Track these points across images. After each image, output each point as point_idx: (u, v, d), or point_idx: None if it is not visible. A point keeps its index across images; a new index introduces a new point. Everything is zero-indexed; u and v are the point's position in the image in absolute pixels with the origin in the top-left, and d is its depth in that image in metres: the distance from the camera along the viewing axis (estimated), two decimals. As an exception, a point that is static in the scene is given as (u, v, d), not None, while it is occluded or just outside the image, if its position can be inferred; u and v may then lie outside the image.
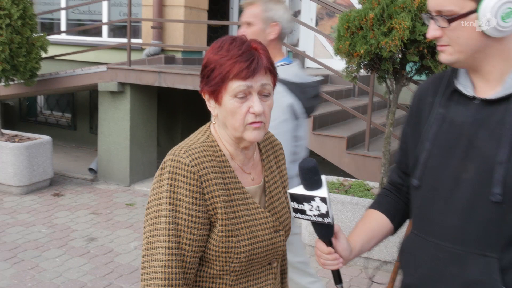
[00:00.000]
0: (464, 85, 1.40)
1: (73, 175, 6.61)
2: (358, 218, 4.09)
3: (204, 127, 1.53)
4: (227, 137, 1.46)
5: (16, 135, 6.16)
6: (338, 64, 4.93)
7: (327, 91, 5.90)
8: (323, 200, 1.35)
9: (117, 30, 7.90)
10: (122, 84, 6.17)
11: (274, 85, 1.46)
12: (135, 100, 6.27)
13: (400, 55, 3.92)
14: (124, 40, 6.80)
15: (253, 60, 1.38)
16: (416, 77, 4.21)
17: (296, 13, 8.40)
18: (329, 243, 1.46)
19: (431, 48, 3.72)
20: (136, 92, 6.27)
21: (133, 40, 6.77)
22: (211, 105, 1.45)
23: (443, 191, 1.37)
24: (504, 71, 1.33)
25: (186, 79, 5.76)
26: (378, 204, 1.66)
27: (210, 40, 10.03)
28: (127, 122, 6.20)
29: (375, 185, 4.42)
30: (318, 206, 1.36)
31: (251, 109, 1.38)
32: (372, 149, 4.94)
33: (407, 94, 6.95)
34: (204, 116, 6.16)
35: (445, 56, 1.36)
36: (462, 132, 1.35)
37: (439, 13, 1.32)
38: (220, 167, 1.43)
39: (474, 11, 1.28)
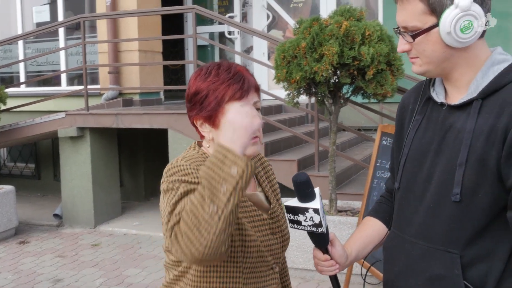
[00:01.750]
0: (437, 92, 1.50)
1: (38, 222, 6.67)
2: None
3: (190, 148, 1.61)
4: None
5: (-21, 187, 6.24)
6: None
7: (280, 119, 6.20)
8: (316, 211, 1.45)
9: (77, 78, 8.11)
10: (81, 129, 6.35)
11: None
12: (95, 143, 6.44)
13: (336, 79, 4.23)
14: (82, 87, 7.01)
15: (244, 80, 1.48)
16: (352, 98, 4.51)
17: (249, 49, 8.77)
18: (325, 251, 1.56)
19: (360, 70, 4.04)
20: (95, 136, 6.45)
21: (90, 86, 6.97)
22: (204, 130, 1.53)
23: (417, 192, 1.48)
24: (471, 78, 1.41)
25: (143, 119, 5.98)
26: (374, 211, 1.75)
27: (170, 82, 10.35)
28: (89, 165, 6.35)
29: (325, 202, 4.65)
30: (311, 217, 1.46)
31: None
32: (323, 169, 5.19)
33: (357, 116, 7.29)
34: (163, 154, 6.36)
35: (415, 67, 1.46)
36: (434, 136, 1.45)
37: (406, 29, 1.42)
38: None
39: (436, 25, 1.37)
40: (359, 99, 4.65)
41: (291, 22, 8.24)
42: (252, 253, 1.52)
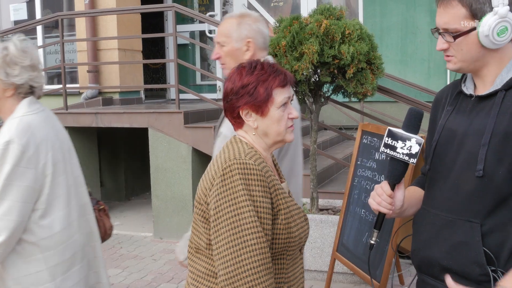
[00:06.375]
0: (467, 87, 1.71)
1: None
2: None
3: (232, 141, 1.73)
4: (263, 143, 1.73)
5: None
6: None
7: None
8: (419, 143, 1.60)
9: (56, 77, 8.01)
10: (60, 129, 6.26)
11: None
12: (74, 143, 6.18)
13: (316, 77, 4.24)
14: (60, 86, 6.93)
15: (285, 73, 1.72)
16: (333, 97, 4.53)
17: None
18: (392, 188, 1.68)
19: (341, 69, 4.05)
20: (74, 135, 6.36)
21: (69, 85, 6.90)
22: (249, 119, 1.70)
23: (443, 171, 1.68)
24: (497, 73, 1.63)
25: (122, 118, 5.93)
26: (417, 183, 1.95)
27: (151, 81, 10.28)
28: (68, 165, 6.26)
29: (307, 201, 4.66)
30: (411, 146, 1.61)
31: (289, 115, 1.70)
32: (304, 168, 5.17)
33: (338, 115, 7.32)
34: (144, 153, 6.31)
35: (450, 65, 1.67)
36: (461, 123, 1.66)
37: (446, 30, 1.62)
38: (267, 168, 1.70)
39: (475, 28, 1.57)
40: (339, 98, 4.66)
41: (271, 21, 8.23)
42: (296, 241, 1.69)
